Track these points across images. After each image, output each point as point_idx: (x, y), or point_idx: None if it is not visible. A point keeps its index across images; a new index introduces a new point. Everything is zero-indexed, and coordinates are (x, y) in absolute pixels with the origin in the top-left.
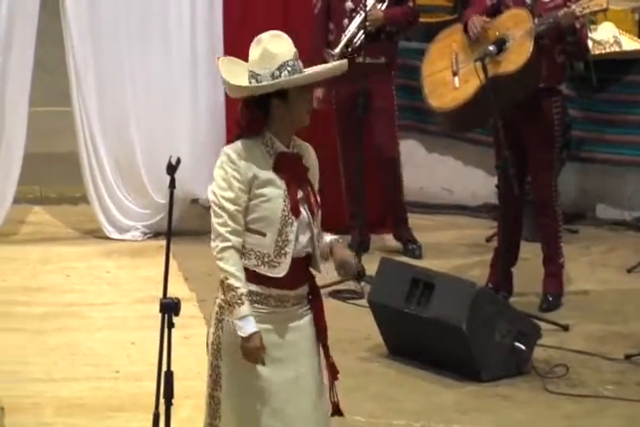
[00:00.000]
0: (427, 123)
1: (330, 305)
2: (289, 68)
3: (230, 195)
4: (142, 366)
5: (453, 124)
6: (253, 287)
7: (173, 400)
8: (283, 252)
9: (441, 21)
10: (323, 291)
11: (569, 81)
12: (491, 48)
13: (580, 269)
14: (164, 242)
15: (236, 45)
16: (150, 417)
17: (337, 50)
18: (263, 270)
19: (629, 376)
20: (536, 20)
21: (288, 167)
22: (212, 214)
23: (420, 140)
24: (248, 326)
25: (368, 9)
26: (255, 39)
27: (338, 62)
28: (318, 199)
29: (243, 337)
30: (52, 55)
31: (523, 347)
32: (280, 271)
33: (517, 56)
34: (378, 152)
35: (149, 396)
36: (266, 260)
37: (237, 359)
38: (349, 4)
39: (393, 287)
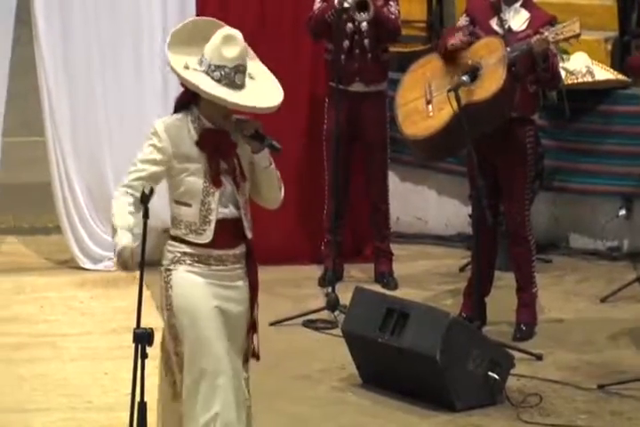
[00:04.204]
0: (400, 153)
1: (303, 334)
2: (222, 73)
3: (145, 157)
4: (116, 396)
5: (427, 152)
6: (193, 250)
7: None
8: (207, 220)
9: (415, 51)
10: (296, 320)
11: (542, 111)
12: (464, 78)
13: (553, 298)
14: (137, 272)
15: None
16: None
17: None
18: (191, 238)
19: (602, 406)
20: (509, 48)
21: (211, 142)
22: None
23: (394, 170)
24: (122, 240)
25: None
26: (224, 29)
27: (251, 104)
28: (245, 172)
29: (117, 249)
30: (25, 84)
31: (496, 376)
32: (205, 238)
33: (490, 83)
34: (368, 184)
35: (122, 426)
36: (193, 228)
37: (190, 312)
38: (350, 26)
39: (367, 317)
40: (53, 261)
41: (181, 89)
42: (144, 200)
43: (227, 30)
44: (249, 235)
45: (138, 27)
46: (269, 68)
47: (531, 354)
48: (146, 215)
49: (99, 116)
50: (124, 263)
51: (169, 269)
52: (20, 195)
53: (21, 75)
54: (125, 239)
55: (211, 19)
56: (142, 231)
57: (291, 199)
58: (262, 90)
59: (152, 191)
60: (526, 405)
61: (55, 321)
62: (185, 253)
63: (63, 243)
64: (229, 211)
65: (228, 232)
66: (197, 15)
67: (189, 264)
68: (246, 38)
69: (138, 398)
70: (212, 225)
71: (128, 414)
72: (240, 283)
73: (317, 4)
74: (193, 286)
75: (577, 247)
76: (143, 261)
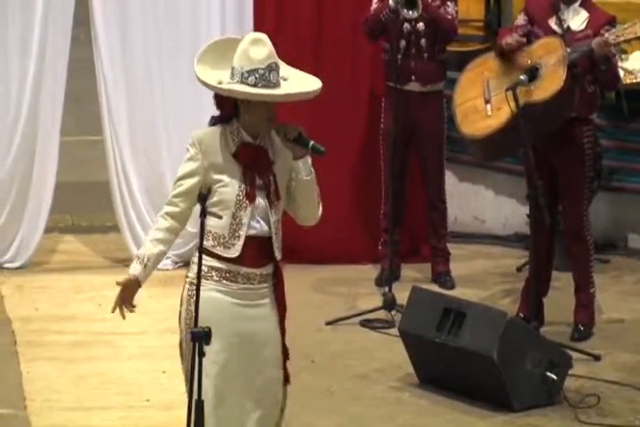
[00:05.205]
0: (458, 152)
1: (360, 334)
2: (256, 75)
3: (182, 173)
4: (173, 394)
5: (485, 151)
6: (221, 265)
7: None
8: (237, 234)
9: (472, 50)
10: (353, 320)
11: (600, 111)
12: (522, 77)
13: (611, 298)
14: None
15: None
16: None
17: None
18: (219, 251)
19: None
20: (568, 49)
21: (248, 156)
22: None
23: (452, 170)
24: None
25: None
26: (248, 35)
27: (296, 92)
28: (279, 190)
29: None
30: (84, 84)
31: (554, 377)
32: (233, 252)
33: (550, 83)
34: (425, 184)
35: (180, 425)
36: (221, 241)
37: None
38: (407, 26)
39: (424, 316)
40: (111, 259)
41: None
42: (200, 200)
43: (250, 35)
44: (278, 256)
45: (196, 26)
46: (329, 70)
47: (589, 354)
48: (203, 214)
49: (156, 116)
50: (121, 295)
51: (193, 283)
52: (78, 194)
53: (79, 74)
54: (133, 270)
55: (232, 36)
56: (200, 231)
57: (348, 198)
58: (298, 82)
59: (209, 191)
60: (584, 405)
61: (113, 320)
62: (212, 268)
63: (121, 242)
64: (260, 228)
65: (256, 250)
66: (255, 10)
67: (216, 281)
68: (303, 39)
69: (195, 397)
70: (242, 240)
71: (185, 412)
72: (266, 300)
73: (374, 5)
74: (212, 312)
75: (635, 248)
76: (200, 260)
